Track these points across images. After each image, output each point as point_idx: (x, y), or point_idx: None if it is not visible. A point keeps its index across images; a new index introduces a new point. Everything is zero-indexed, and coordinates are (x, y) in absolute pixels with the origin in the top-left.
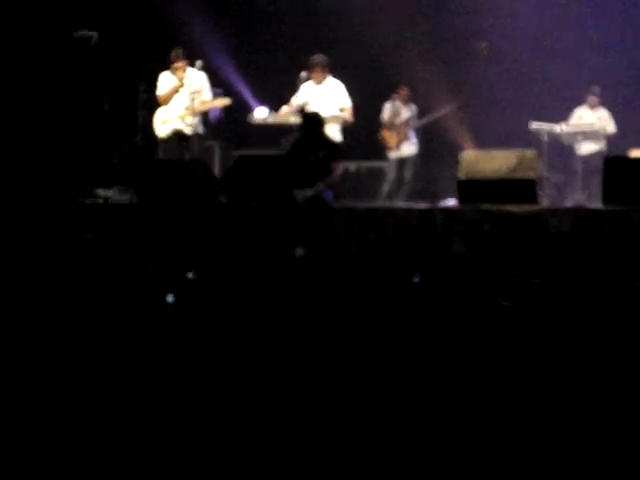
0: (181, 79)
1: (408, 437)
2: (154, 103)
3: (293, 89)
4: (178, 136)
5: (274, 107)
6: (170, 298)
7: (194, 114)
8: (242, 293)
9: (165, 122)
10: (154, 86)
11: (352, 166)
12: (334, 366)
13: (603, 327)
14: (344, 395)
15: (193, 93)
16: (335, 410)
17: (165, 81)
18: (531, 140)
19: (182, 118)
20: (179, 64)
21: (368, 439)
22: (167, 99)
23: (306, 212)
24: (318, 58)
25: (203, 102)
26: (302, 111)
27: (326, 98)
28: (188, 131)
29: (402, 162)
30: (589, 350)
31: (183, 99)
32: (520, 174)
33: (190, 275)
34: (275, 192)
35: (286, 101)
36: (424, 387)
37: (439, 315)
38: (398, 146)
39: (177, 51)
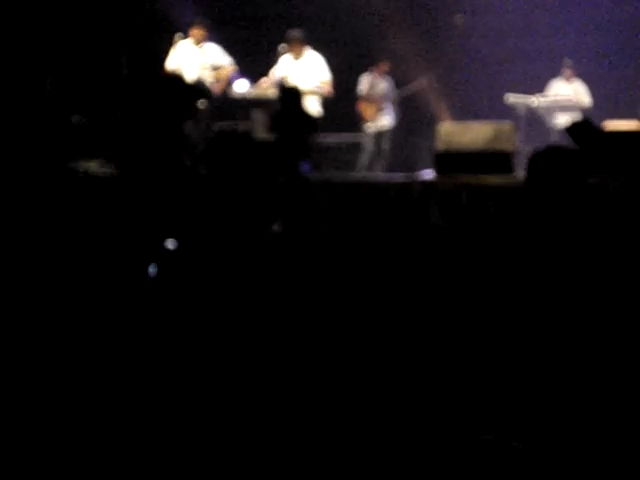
0: (198, 43)
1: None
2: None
3: (272, 61)
4: None
5: (253, 79)
6: (152, 269)
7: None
8: (222, 266)
9: None
10: (136, 58)
11: (330, 138)
12: (315, 342)
13: (576, 297)
14: (328, 369)
15: (205, 66)
16: (315, 386)
17: (178, 51)
18: (507, 112)
19: None
20: (198, 30)
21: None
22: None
23: (284, 185)
24: (294, 33)
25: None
26: (281, 85)
27: (305, 72)
28: (199, 105)
29: (379, 134)
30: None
31: (193, 70)
32: (497, 145)
33: (170, 244)
34: (255, 169)
35: (265, 73)
36: (406, 358)
37: (418, 285)
38: (375, 118)
39: (200, 18)
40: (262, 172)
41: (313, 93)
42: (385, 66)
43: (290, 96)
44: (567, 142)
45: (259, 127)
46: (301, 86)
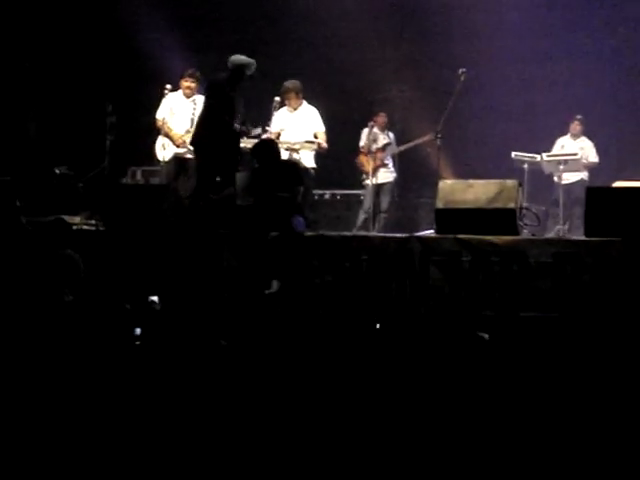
0: (189, 95)
1: None
2: (122, 126)
3: (267, 115)
4: (177, 160)
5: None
6: (138, 331)
7: None
8: (216, 322)
9: (166, 146)
10: (122, 109)
11: (327, 194)
12: (308, 401)
13: (582, 360)
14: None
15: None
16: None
17: (168, 103)
18: (512, 170)
19: (183, 142)
20: (189, 83)
21: None
22: (162, 126)
23: (278, 242)
24: (291, 84)
25: None
26: (258, 141)
27: (300, 124)
28: (189, 155)
29: (379, 189)
30: (568, 383)
31: (185, 123)
32: (500, 204)
33: (155, 301)
34: (243, 223)
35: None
36: (399, 421)
37: (415, 347)
38: (375, 173)
39: (192, 71)
40: (247, 234)
41: (307, 146)
42: (382, 118)
43: (264, 150)
44: (572, 200)
45: (242, 186)
46: (296, 139)
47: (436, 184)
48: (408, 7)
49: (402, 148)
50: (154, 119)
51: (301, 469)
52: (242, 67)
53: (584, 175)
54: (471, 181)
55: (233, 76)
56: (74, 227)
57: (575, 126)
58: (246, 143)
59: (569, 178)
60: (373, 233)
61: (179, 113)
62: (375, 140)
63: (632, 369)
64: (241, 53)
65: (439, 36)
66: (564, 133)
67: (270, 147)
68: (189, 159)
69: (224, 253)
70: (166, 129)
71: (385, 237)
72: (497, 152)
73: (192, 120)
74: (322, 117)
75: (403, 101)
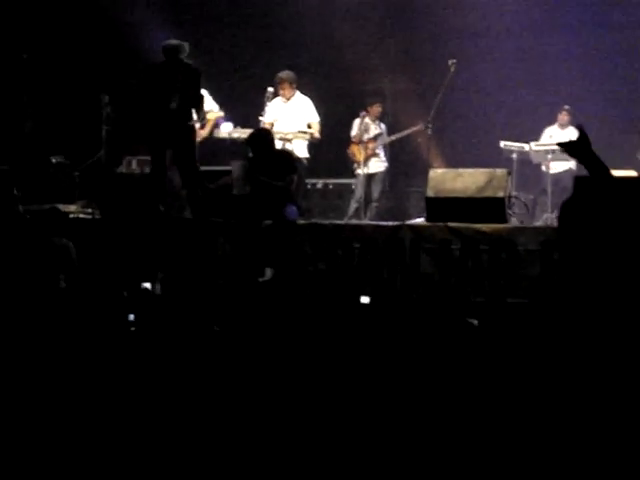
0: None
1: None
2: (118, 117)
3: (259, 106)
4: None
5: (239, 123)
6: (132, 317)
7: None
8: (205, 310)
9: None
10: (118, 99)
11: (319, 183)
12: (301, 387)
13: (570, 347)
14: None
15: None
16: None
17: None
18: (501, 159)
19: None
20: None
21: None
22: None
23: (271, 230)
24: (285, 74)
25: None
26: (253, 131)
27: (294, 115)
28: None
29: (370, 178)
30: (558, 370)
31: None
32: (489, 193)
33: (147, 286)
34: (239, 212)
35: (252, 117)
36: (388, 406)
37: (405, 333)
38: (366, 162)
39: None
40: (243, 221)
41: (301, 136)
42: (377, 109)
43: (259, 139)
44: (560, 189)
45: (238, 175)
46: (289, 129)
47: (426, 173)
48: (401, 1)
49: (393, 138)
50: None
51: (295, 453)
52: (174, 50)
53: (572, 164)
54: (461, 170)
55: (167, 60)
56: (70, 216)
57: (563, 116)
58: (241, 133)
59: (557, 167)
60: (365, 222)
61: None
62: (367, 130)
63: (618, 355)
64: (238, 45)
65: (432, 30)
66: (551, 123)
67: (264, 137)
68: None
69: (219, 241)
70: None
71: (377, 225)
72: (486, 142)
73: None
74: (317, 107)
75: (395, 92)
